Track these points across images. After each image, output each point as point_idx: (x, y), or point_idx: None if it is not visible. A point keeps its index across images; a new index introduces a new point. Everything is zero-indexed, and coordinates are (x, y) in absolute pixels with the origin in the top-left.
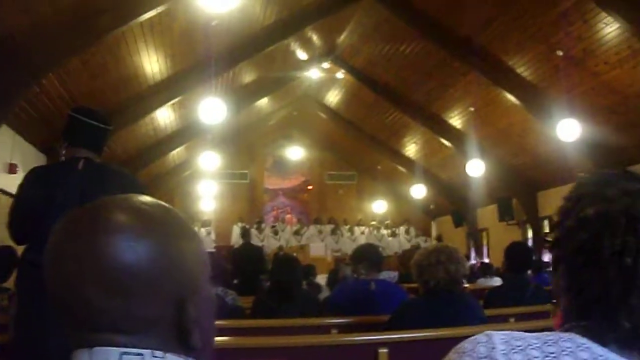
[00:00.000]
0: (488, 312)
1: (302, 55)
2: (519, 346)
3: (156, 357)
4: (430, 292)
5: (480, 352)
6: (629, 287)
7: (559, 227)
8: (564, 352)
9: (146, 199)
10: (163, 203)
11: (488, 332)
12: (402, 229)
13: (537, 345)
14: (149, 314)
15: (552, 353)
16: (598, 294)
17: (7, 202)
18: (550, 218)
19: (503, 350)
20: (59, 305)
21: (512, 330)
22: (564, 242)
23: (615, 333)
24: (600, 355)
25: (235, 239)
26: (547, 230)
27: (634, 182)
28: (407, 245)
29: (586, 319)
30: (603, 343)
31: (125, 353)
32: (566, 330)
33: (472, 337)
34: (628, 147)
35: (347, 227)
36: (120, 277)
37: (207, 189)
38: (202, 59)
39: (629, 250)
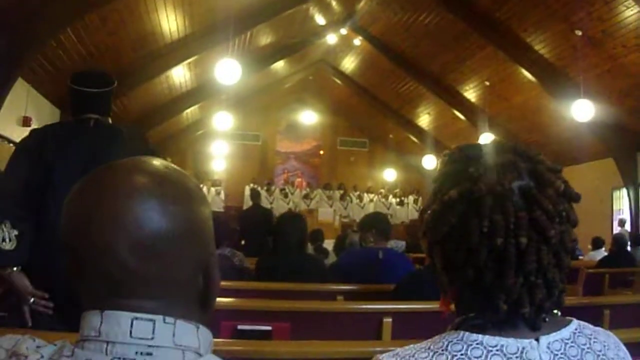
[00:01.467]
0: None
1: (320, 20)
2: None
3: (167, 323)
4: None
5: None
6: (502, 268)
7: (427, 210)
8: (455, 358)
9: (163, 162)
10: (177, 167)
11: (377, 356)
12: (411, 198)
13: (427, 358)
14: (181, 278)
15: None
16: (473, 278)
17: None
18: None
19: None
20: (93, 268)
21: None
22: (434, 226)
23: (496, 316)
24: (494, 346)
25: (247, 200)
26: None
27: (502, 152)
28: (415, 215)
29: (468, 306)
30: (486, 332)
31: (136, 318)
32: (457, 327)
33: None
34: (639, 132)
35: (357, 193)
36: (155, 241)
37: (219, 149)
38: (219, 19)
39: (498, 230)
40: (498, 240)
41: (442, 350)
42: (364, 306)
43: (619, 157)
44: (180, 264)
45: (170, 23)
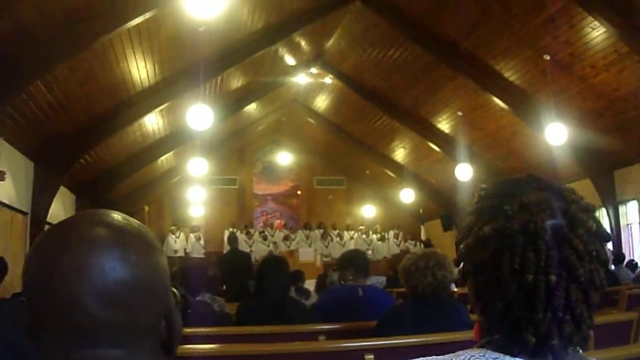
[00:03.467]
0: (474, 317)
1: (290, 60)
2: None
3: None
4: (417, 297)
5: None
6: (531, 302)
7: (462, 242)
8: None
9: (120, 214)
10: (133, 219)
11: None
12: (391, 233)
13: None
14: (145, 325)
15: None
16: (502, 310)
17: None
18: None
19: None
20: (58, 320)
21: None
22: (467, 258)
23: (523, 346)
24: None
25: (226, 245)
26: None
27: (537, 191)
28: (397, 250)
29: (497, 333)
30: (514, 354)
31: None
32: (482, 346)
33: None
34: (614, 151)
35: (336, 232)
36: (119, 290)
37: (196, 195)
38: (190, 64)
39: (529, 267)
40: (528, 276)
41: None
42: (345, 344)
43: (596, 178)
44: (143, 311)
45: (140, 71)
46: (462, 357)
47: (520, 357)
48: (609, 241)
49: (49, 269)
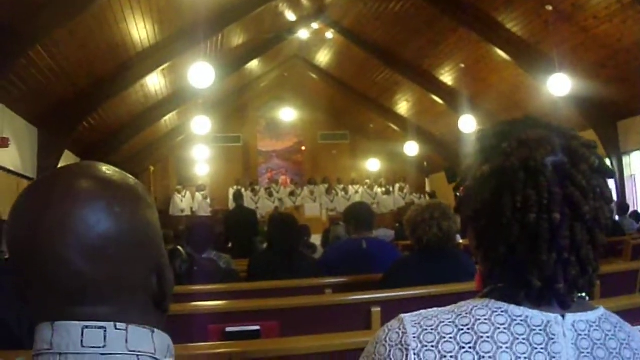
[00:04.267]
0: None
1: (290, 16)
2: (431, 326)
3: (119, 329)
4: (423, 249)
5: (392, 340)
6: (535, 244)
7: (461, 186)
8: (478, 322)
9: (107, 166)
10: (120, 170)
11: (401, 316)
12: (396, 186)
13: (450, 320)
14: (133, 281)
15: (466, 325)
16: (505, 254)
17: (1, 176)
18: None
19: (414, 333)
20: (43, 279)
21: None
22: (467, 202)
23: (529, 291)
24: (518, 316)
25: (232, 202)
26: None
27: (535, 129)
28: (402, 203)
29: (500, 281)
30: (518, 302)
31: (87, 327)
32: (484, 296)
33: (386, 324)
34: (618, 101)
35: (341, 186)
36: (104, 244)
37: (201, 154)
38: (189, 23)
39: (531, 206)
40: (531, 216)
41: (466, 313)
42: (351, 297)
43: (599, 128)
44: (131, 266)
45: (140, 31)
46: (465, 307)
47: (525, 305)
48: (612, 177)
49: (31, 225)
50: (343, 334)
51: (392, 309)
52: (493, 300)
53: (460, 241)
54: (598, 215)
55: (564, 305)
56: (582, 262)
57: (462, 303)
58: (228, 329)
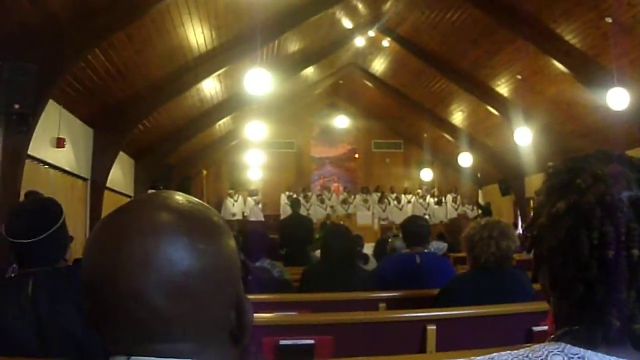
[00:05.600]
0: (537, 285)
1: (347, 23)
2: None
3: None
4: (480, 267)
5: None
6: (614, 282)
7: (533, 224)
8: None
9: (185, 196)
10: (198, 200)
11: (472, 358)
12: (449, 197)
13: None
14: (214, 317)
15: None
16: (583, 293)
17: (56, 175)
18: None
19: None
20: (120, 314)
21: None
22: (541, 241)
23: (606, 333)
24: None
25: (283, 208)
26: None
27: (609, 163)
28: (454, 214)
29: (576, 323)
30: (594, 346)
31: None
32: (558, 339)
33: None
34: None
35: (394, 195)
36: (187, 282)
37: (254, 159)
38: (247, 29)
39: (609, 242)
40: (609, 252)
41: (541, 359)
42: (407, 314)
43: None
44: (212, 303)
45: (197, 36)
46: (539, 352)
47: (601, 349)
48: None
49: (109, 259)
50: (398, 357)
51: (448, 328)
52: (569, 345)
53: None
54: None
55: (638, 346)
56: None
57: (537, 347)
58: (282, 342)
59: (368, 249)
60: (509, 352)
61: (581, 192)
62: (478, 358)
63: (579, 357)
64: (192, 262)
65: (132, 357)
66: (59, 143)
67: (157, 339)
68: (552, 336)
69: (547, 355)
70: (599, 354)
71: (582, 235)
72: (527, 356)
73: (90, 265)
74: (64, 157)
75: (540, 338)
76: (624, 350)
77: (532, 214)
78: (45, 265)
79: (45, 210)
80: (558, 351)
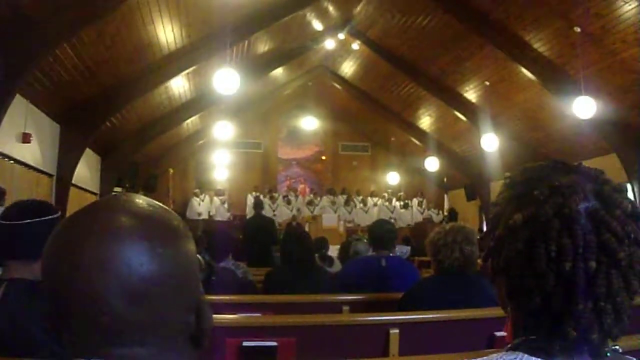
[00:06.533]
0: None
1: (317, 25)
2: None
3: None
4: (443, 272)
5: None
6: (571, 294)
7: (490, 235)
8: None
9: (146, 200)
10: (159, 204)
11: None
12: (415, 201)
13: None
14: (174, 321)
15: None
16: (540, 304)
17: (21, 171)
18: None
19: None
20: (80, 317)
21: None
22: (498, 252)
23: (563, 342)
24: None
25: (250, 208)
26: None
27: (566, 174)
28: (420, 218)
29: (533, 332)
30: (552, 356)
31: None
32: (515, 348)
33: None
34: None
35: (360, 198)
36: (146, 287)
37: (221, 158)
38: (217, 28)
39: (566, 254)
40: (567, 264)
41: None
42: (370, 318)
43: (622, 153)
44: (171, 307)
45: (167, 34)
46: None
47: (558, 358)
48: None
49: (69, 262)
50: None
51: (411, 332)
52: (526, 355)
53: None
54: (633, 261)
55: (597, 356)
56: (618, 309)
57: (494, 356)
58: (245, 343)
59: (333, 251)
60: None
61: (539, 204)
62: None
63: None
64: (151, 266)
65: None
66: (25, 138)
67: (116, 343)
68: (509, 345)
69: None
70: None
71: (539, 247)
72: None
73: (50, 269)
74: (30, 153)
75: (503, 343)
76: (582, 359)
77: (489, 224)
78: (21, 258)
79: (41, 203)
80: (514, 359)
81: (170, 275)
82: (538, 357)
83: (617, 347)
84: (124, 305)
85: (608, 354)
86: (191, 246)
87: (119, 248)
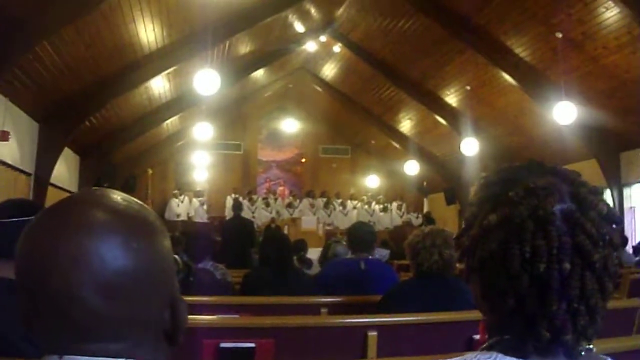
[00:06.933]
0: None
1: (299, 27)
2: None
3: None
4: (422, 275)
5: None
6: (545, 295)
7: (465, 235)
8: None
9: (120, 195)
10: (134, 199)
11: None
12: (394, 204)
13: None
14: (148, 316)
15: None
16: (514, 305)
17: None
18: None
19: None
20: (53, 312)
21: None
22: (472, 252)
23: (537, 343)
24: None
25: (229, 210)
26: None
27: (542, 175)
28: (399, 221)
29: (507, 332)
30: (525, 356)
31: None
32: (490, 348)
33: None
34: (622, 133)
35: (340, 201)
36: (121, 282)
37: (201, 159)
38: (198, 29)
39: (540, 256)
40: (540, 266)
41: None
42: (348, 320)
43: (602, 159)
44: (146, 303)
45: (148, 33)
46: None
47: (532, 358)
48: (620, 223)
49: (43, 256)
50: None
51: (389, 334)
52: (500, 355)
53: (457, 265)
54: (607, 263)
55: (572, 356)
56: (591, 311)
57: (468, 356)
58: (223, 345)
59: (312, 254)
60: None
61: (513, 205)
62: None
63: None
64: (125, 261)
65: (65, 357)
66: (3, 136)
67: (90, 339)
68: (483, 345)
69: None
70: None
71: (513, 248)
72: None
73: (23, 263)
74: (8, 151)
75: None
76: (556, 358)
77: (464, 224)
78: (2, 256)
79: (26, 202)
80: (488, 358)
81: (145, 270)
82: (512, 356)
83: (591, 346)
84: (97, 300)
85: (582, 353)
86: (166, 242)
87: (93, 242)
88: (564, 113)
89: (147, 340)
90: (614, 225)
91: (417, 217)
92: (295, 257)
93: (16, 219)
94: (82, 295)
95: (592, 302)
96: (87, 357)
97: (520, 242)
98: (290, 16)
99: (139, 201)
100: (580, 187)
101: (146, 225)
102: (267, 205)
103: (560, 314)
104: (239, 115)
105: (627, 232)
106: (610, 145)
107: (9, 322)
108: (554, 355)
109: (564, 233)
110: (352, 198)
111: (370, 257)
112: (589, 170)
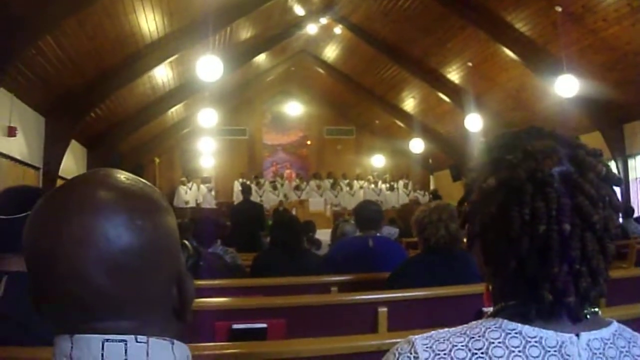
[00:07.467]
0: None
1: (299, 10)
2: (443, 350)
3: (140, 342)
4: (430, 250)
5: None
6: (545, 256)
7: (466, 200)
8: (492, 345)
9: (124, 174)
10: (138, 178)
11: (410, 337)
12: (400, 183)
13: (463, 344)
14: (155, 294)
15: (479, 349)
16: (515, 269)
17: (7, 165)
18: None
19: (427, 358)
20: (62, 293)
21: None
22: (473, 217)
23: (540, 306)
24: (533, 337)
25: (237, 195)
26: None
27: (540, 139)
28: (406, 200)
29: (511, 298)
30: (530, 321)
31: (107, 340)
32: (495, 315)
33: (396, 346)
34: (624, 104)
35: (346, 181)
36: (126, 259)
37: (207, 146)
38: (198, 16)
39: (540, 217)
40: (540, 227)
41: (479, 336)
42: (358, 297)
43: (605, 130)
44: (152, 280)
45: (149, 23)
46: (477, 329)
47: (537, 323)
48: (620, 185)
49: (49, 238)
50: (349, 337)
51: (399, 310)
52: (506, 321)
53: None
54: (608, 224)
55: (577, 319)
56: (593, 272)
57: (474, 323)
58: (235, 326)
59: (320, 234)
60: (447, 329)
61: (512, 168)
62: (417, 336)
63: (516, 333)
64: (130, 239)
65: (75, 336)
66: (10, 132)
67: (98, 317)
68: (488, 312)
69: (484, 332)
70: (536, 329)
71: (513, 211)
72: (464, 333)
73: (30, 245)
74: (16, 146)
75: None
76: (561, 323)
77: (465, 190)
78: (20, 251)
79: (37, 193)
80: (495, 327)
81: (150, 247)
82: (517, 322)
83: (597, 310)
84: (105, 278)
85: (588, 317)
86: (171, 219)
87: (98, 221)
88: (566, 86)
89: (156, 317)
90: (613, 187)
91: (424, 195)
92: (304, 239)
93: (25, 214)
94: (89, 274)
95: (594, 264)
96: (97, 335)
97: (519, 204)
98: (289, 0)
99: (143, 180)
100: (578, 149)
101: (150, 202)
102: (275, 188)
103: (561, 275)
104: (242, 101)
105: (633, 203)
106: (613, 117)
107: (30, 313)
108: (558, 320)
109: (563, 194)
110: (358, 178)
111: (378, 234)
112: (593, 143)
